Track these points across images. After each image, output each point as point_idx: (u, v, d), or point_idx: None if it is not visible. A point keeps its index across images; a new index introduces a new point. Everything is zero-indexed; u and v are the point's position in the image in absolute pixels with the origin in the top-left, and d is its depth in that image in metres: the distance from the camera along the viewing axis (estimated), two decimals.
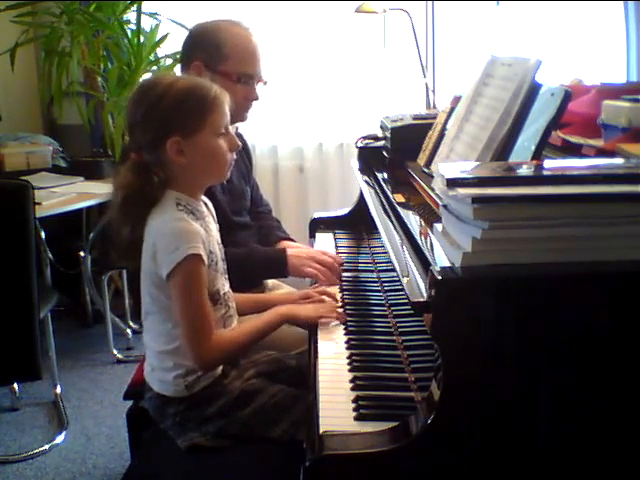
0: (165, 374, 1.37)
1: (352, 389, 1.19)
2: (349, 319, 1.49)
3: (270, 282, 2.03)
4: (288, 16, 3.43)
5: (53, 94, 3.34)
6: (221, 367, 1.39)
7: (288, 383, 1.43)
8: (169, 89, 1.31)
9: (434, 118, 1.81)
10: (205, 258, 1.30)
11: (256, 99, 1.82)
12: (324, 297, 1.58)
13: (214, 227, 1.44)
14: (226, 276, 1.45)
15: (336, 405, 1.14)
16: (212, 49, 1.75)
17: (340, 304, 1.57)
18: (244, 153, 1.99)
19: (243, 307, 1.52)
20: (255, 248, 1.87)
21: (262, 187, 2.34)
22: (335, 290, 1.67)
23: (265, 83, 1.83)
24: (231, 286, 1.48)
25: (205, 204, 1.46)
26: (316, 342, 1.40)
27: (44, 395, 2.81)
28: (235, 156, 1.40)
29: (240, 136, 1.93)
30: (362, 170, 2.05)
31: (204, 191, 1.44)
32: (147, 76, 3.33)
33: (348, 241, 2.09)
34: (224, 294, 1.42)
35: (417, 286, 1.06)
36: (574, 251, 0.93)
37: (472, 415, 0.94)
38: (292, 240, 2.05)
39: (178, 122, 1.30)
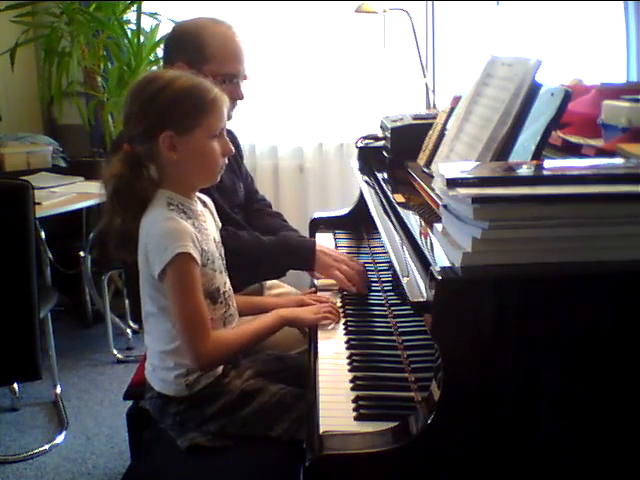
0: (166, 374, 1.37)
1: (352, 389, 1.19)
2: (349, 319, 1.50)
3: (269, 282, 2.02)
4: (288, 16, 3.43)
5: (53, 94, 3.34)
6: (221, 367, 1.39)
7: (288, 383, 1.43)
8: (170, 84, 1.31)
9: (434, 118, 1.81)
10: (197, 256, 1.30)
11: (241, 98, 1.79)
12: (323, 299, 1.58)
13: (212, 226, 1.44)
14: (226, 274, 1.44)
15: (336, 405, 1.14)
16: (195, 50, 1.72)
17: (340, 306, 1.57)
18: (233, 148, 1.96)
19: (239, 308, 1.52)
20: (286, 235, 1.84)
21: (262, 187, 2.34)
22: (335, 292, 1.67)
23: (246, 78, 1.80)
24: (247, 276, 1.45)
25: (204, 202, 1.45)
26: (316, 342, 1.40)
27: (44, 395, 2.81)
28: (227, 161, 1.40)
29: (229, 132, 1.90)
30: (362, 170, 2.05)
31: (200, 190, 1.44)
32: None
33: (348, 241, 2.09)
34: (224, 292, 1.41)
35: (417, 286, 1.06)
36: (574, 251, 0.93)
37: (472, 415, 0.94)
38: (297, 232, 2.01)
39: (174, 117, 1.30)
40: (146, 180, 1.32)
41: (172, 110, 1.30)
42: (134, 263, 1.37)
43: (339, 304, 1.60)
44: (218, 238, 1.45)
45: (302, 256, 1.73)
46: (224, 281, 1.43)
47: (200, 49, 1.72)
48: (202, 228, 1.37)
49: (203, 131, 1.32)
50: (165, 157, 1.32)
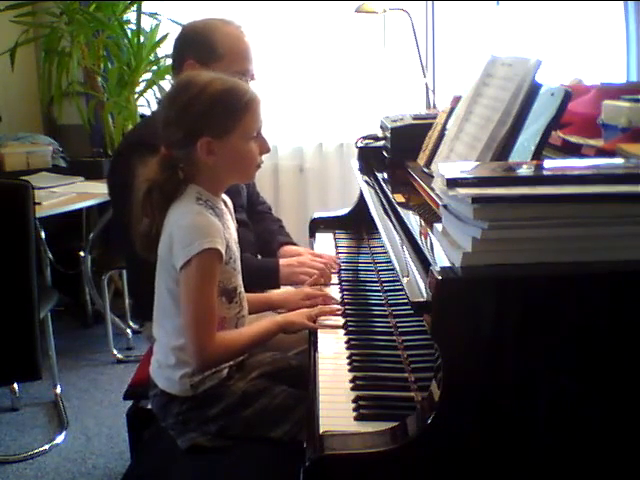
0: (172, 372, 1.37)
1: (352, 389, 1.19)
2: (349, 319, 1.49)
3: None
4: (288, 16, 3.44)
5: (53, 94, 3.34)
6: (227, 369, 1.40)
7: (290, 383, 1.43)
8: (204, 89, 1.31)
9: (434, 118, 1.81)
10: (223, 253, 1.31)
11: None
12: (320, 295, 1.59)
13: (232, 225, 1.44)
14: (241, 275, 1.45)
15: (336, 405, 1.14)
16: (206, 48, 1.75)
17: (338, 302, 1.57)
18: None
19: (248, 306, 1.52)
20: (248, 257, 1.87)
21: (262, 187, 2.36)
22: (335, 292, 1.67)
23: (254, 78, 1.83)
24: None
25: (224, 202, 1.46)
26: (316, 342, 1.40)
27: (44, 395, 2.81)
28: (263, 160, 1.41)
29: None
30: (362, 170, 2.05)
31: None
32: (147, 76, 3.33)
33: (348, 241, 2.09)
34: (239, 293, 1.42)
35: (417, 286, 1.06)
36: (574, 251, 0.93)
37: (472, 415, 0.94)
38: (294, 244, 2.05)
39: (210, 123, 1.31)
40: (179, 181, 1.34)
41: (208, 116, 1.30)
42: (138, 262, 1.37)
43: (338, 300, 1.60)
44: (237, 238, 1.45)
45: (265, 277, 1.78)
46: (240, 282, 1.43)
47: (211, 47, 1.75)
48: (226, 227, 1.38)
49: (240, 133, 1.33)
50: (203, 161, 1.33)
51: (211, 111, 1.30)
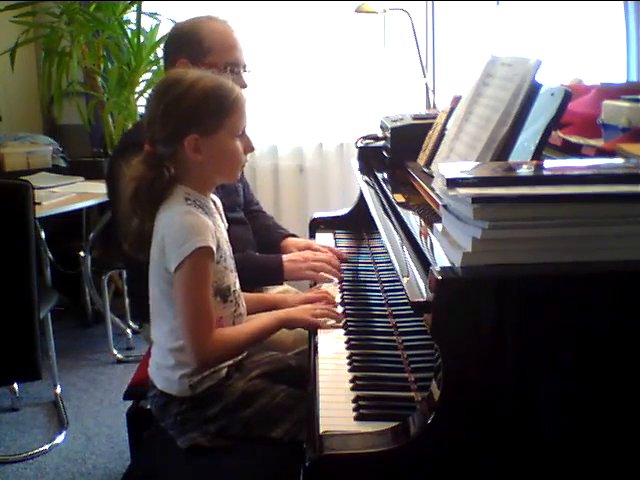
0: (171, 372, 1.37)
1: (352, 389, 1.19)
2: (349, 319, 1.49)
3: None
4: (288, 16, 3.43)
5: (53, 94, 3.34)
6: (225, 369, 1.39)
7: (290, 383, 1.43)
8: (192, 87, 1.31)
9: (434, 118, 1.81)
10: (215, 252, 1.31)
11: (245, 87, 1.82)
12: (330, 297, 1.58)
13: (222, 225, 1.45)
14: (235, 274, 1.45)
15: (336, 405, 1.14)
16: (194, 45, 1.77)
17: (339, 303, 1.57)
18: None
19: (247, 305, 1.52)
20: (251, 254, 1.88)
21: (262, 187, 2.37)
22: (335, 291, 1.67)
23: (248, 71, 1.84)
24: None
25: (214, 202, 1.46)
26: (316, 342, 1.40)
27: (44, 395, 2.81)
28: (248, 158, 1.41)
29: None
30: (362, 170, 2.05)
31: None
32: (147, 76, 3.34)
33: (348, 241, 2.09)
34: (234, 291, 1.42)
35: (417, 286, 1.06)
36: (574, 251, 0.93)
37: (472, 415, 0.94)
38: (294, 236, 2.06)
39: (198, 120, 1.31)
40: (166, 180, 1.33)
41: (196, 113, 1.30)
42: (137, 262, 1.37)
43: (338, 300, 1.60)
44: (227, 237, 1.45)
45: (269, 273, 1.79)
46: (234, 280, 1.43)
47: (199, 43, 1.77)
48: (217, 226, 1.38)
49: (227, 131, 1.33)
50: (190, 159, 1.32)
51: (200, 108, 1.30)
